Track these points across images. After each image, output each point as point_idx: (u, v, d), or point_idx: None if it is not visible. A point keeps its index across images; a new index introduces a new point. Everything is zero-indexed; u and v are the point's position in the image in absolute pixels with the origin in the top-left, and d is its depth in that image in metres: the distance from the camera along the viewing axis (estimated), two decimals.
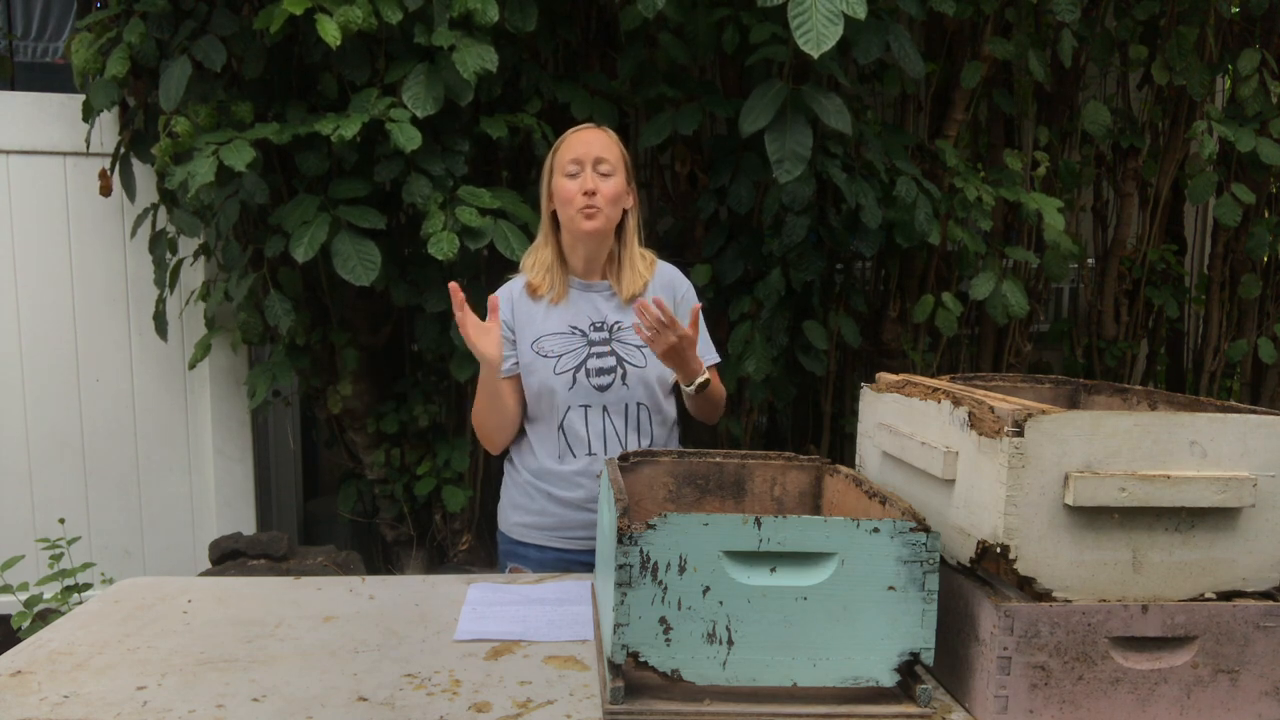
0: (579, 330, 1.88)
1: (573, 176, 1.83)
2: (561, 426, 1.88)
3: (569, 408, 1.87)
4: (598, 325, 1.88)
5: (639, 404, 1.89)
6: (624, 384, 1.87)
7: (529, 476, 1.92)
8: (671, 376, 1.91)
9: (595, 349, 1.87)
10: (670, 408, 1.96)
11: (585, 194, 1.80)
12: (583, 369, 1.86)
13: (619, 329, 1.89)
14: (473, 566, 2.92)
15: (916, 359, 3.04)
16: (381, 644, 1.36)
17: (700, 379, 1.83)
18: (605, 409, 1.87)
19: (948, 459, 1.25)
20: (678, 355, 1.76)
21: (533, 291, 1.91)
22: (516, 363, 1.91)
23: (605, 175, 1.83)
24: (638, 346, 1.88)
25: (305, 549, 2.81)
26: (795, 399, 3.09)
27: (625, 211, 1.89)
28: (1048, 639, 1.13)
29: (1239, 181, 3.11)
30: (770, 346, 2.71)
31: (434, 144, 2.47)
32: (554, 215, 1.89)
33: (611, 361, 1.87)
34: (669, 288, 1.94)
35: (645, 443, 1.90)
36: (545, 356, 1.87)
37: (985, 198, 2.76)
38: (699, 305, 1.78)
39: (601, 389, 1.86)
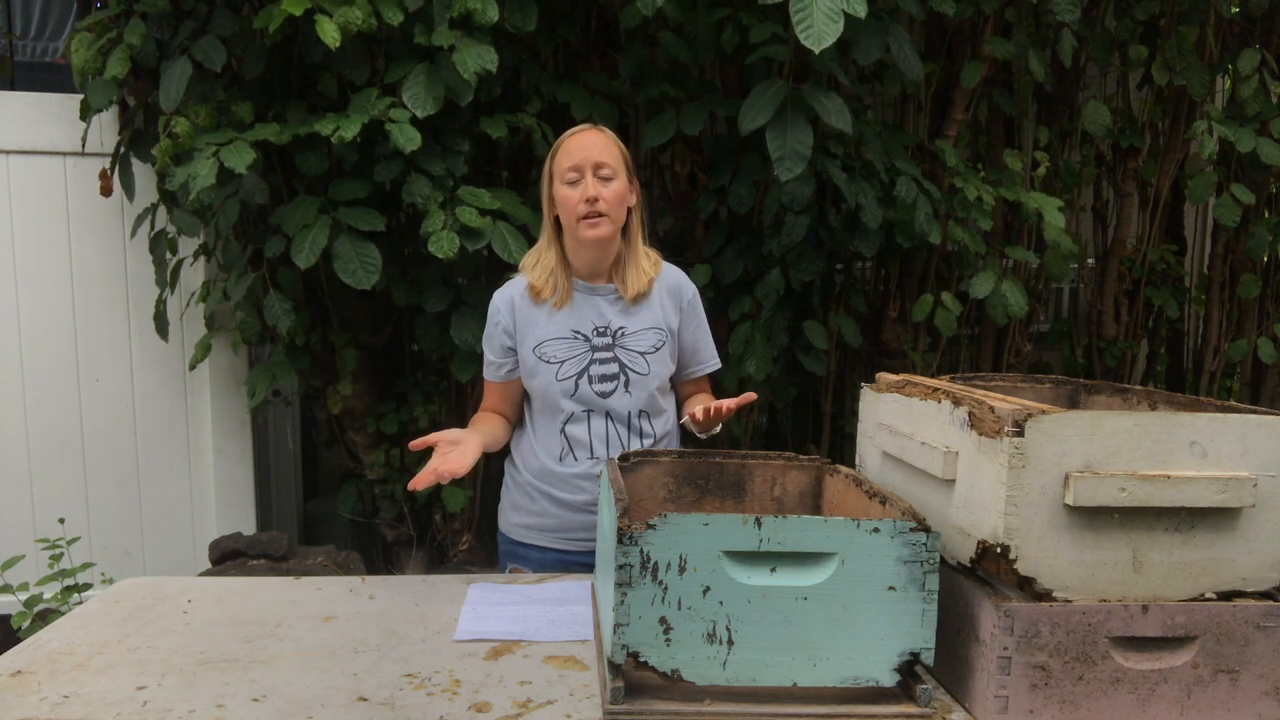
0: (582, 335, 1.86)
1: (573, 184, 1.79)
2: (563, 430, 1.88)
3: (571, 413, 1.86)
4: (601, 330, 1.86)
5: (640, 410, 1.88)
6: (627, 391, 1.86)
7: (529, 477, 1.92)
8: (668, 373, 1.91)
9: (598, 354, 1.86)
10: (670, 408, 1.96)
11: (587, 201, 1.77)
12: (585, 375, 1.85)
13: (623, 334, 1.87)
14: (473, 566, 2.92)
15: (916, 359, 3.04)
16: (381, 644, 1.36)
17: (713, 431, 1.87)
18: (608, 414, 1.87)
19: (948, 459, 1.25)
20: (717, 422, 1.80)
21: (535, 295, 1.87)
22: (512, 370, 1.90)
23: (606, 179, 1.79)
24: (641, 353, 1.87)
25: (305, 549, 2.81)
26: (795, 399, 3.09)
27: (629, 210, 1.86)
28: (1048, 639, 1.13)
29: (1239, 181, 3.11)
30: (770, 346, 2.71)
31: (434, 144, 2.47)
32: (556, 218, 1.86)
33: (614, 368, 1.86)
34: (675, 291, 1.93)
35: (647, 444, 1.90)
36: (547, 362, 1.85)
37: (985, 198, 2.76)
38: (754, 396, 1.75)
39: (604, 395, 1.85)
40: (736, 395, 1.76)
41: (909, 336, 3.05)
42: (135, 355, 3.11)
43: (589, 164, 1.78)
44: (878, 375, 1.57)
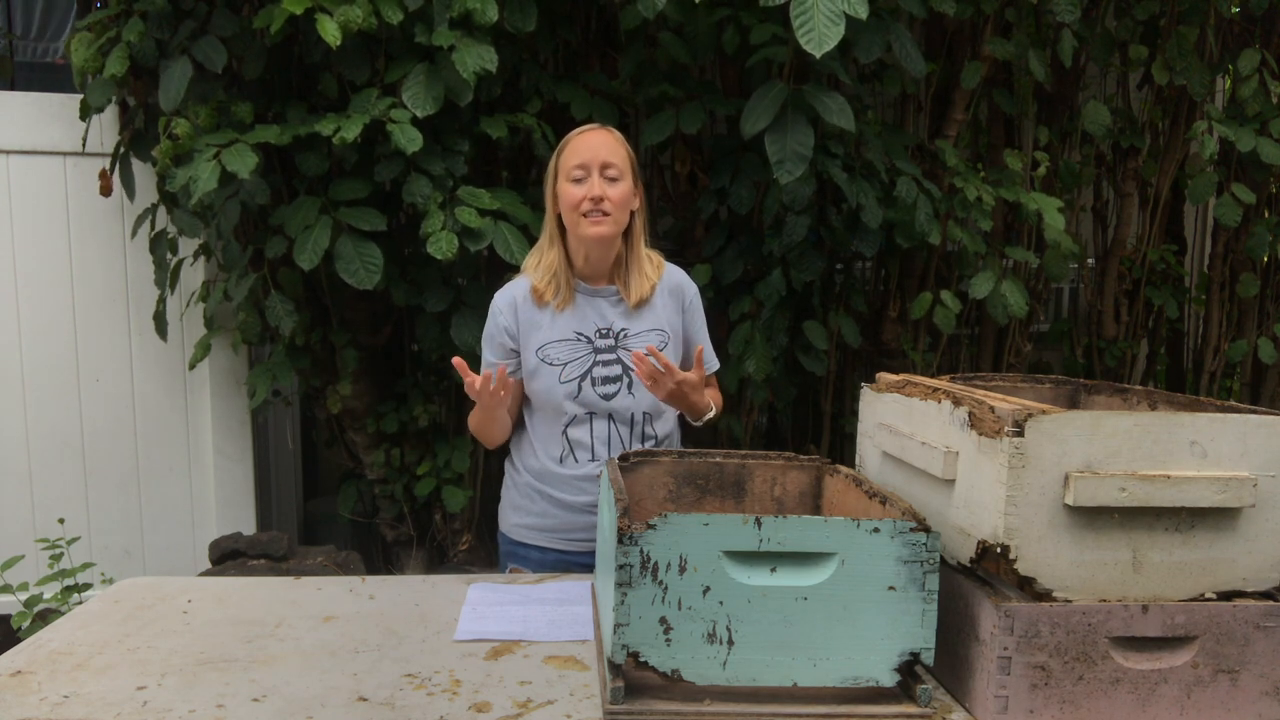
0: (585, 337, 1.86)
1: (578, 182, 1.78)
2: (565, 431, 1.87)
3: (574, 415, 1.86)
4: (604, 332, 1.86)
5: (644, 412, 1.88)
6: (630, 393, 1.85)
7: (529, 478, 1.92)
8: None
9: (601, 357, 1.85)
10: (672, 410, 1.95)
11: (592, 200, 1.77)
12: (588, 378, 1.84)
13: (625, 336, 1.86)
14: (473, 566, 2.92)
15: (916, 359, 3.04)
16: (381, 644, 1.36)
17: (708, 415, 1.87)
18: (610, 416, 1.86)
19: (948, 459, 1.25)
20: (680, 398, 1.79)
21: (538, 296, 1.86)
22: (513, 371, 1.89)
23: (613, 180, 1.79)
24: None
25: (305, 549, 2.81)
26: (795, 399, 3.09)
27: (632, 213, 1.86)
28: (1048, 639, 1.13)
29: (1239, 181, 3.11)
30: (770, 346, 2.71)
31: (434, 144, 2.47)
32: (559, 217, 1.85)
33: (617, 370, 1.85)
34: (676, 292, 1.92)
35: (649, 446, 1.89)
36: (550, 364, 1.84)
37: (985, 198, 2.76)
38: (701, 348, 1.78)
39: (607, 398, 1.85)
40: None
41: (909, 336, 3.05)
42: (135, 355, 3.11)
43: (596, 163, 1.78)
44: (878, 375, 1.57)
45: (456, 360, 1.71)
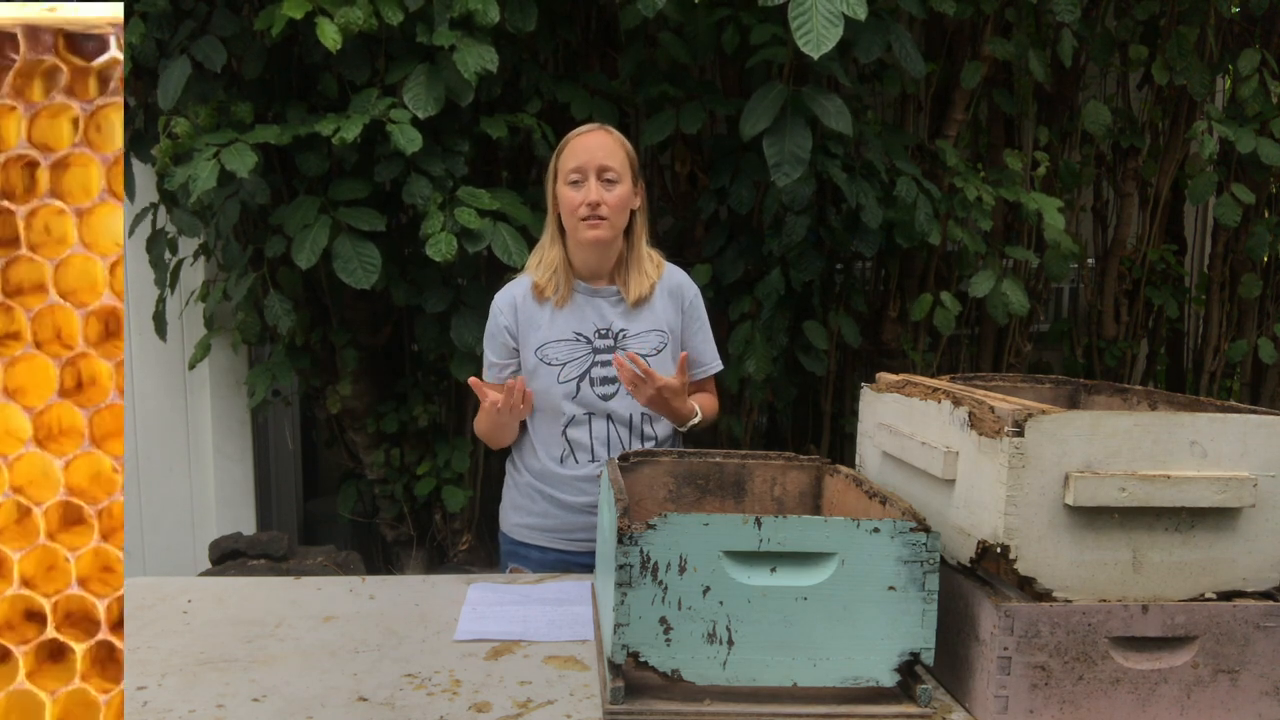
0: (584, 337, 1.85)
1: (576, 185, 1.78)
2: (564, 432, 1.87)
3: (573, 415, 1.85)
4: (603, 333, 1.86)
5: (643, 413, 1.87)
6: (628, 393, 1.85)
7: (530, 478, 1.91)
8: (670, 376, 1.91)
9: (600, 357, 1.85)
10: None
11: (589, 205, 1.76)
12: (586, 378, 1.84)
13: (624, 336, 1.86)
14: (473, 566, 2.92)
15: (916, 359, 3.04)
16: (381, 644, 1.36)
17: (692, 421, 1.86)
18: (609, 416, 1.86)
19: (948, 459, 1.25)
20: (662, 404, 1.78)
21: (539, 294, 1.86)
22: (515, 371, 1.89)
23: (610, 183, 1.78)
24: (642, 355, 1.86)
25: (305, 549, 2.81)
26: (795, 399, 3.09)
27: (632, 212, 1.85)
28: (1048, 639, 1.13)
29: (1239, 181, 3.11)
30: (770, 346, 2.71)
31: (434, 144, 2.47)
32: (560, 217, 1.85)
33: (615, 370, 1.86)
34: (676, 293, 1.92)
35: (648, 447, 1.89)
36: (549, 364, 1.84)
37: (985, 198, 2.76)
38: (685, 354, 1.78)
39: (605, 398, 1.85)
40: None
41: (909, 336, 3.06)
42: (135, 355, 3.11)
43: (593, 167, 1.77)
44: (878, 375, 1.57)
45: (473, 380, 1.72)
